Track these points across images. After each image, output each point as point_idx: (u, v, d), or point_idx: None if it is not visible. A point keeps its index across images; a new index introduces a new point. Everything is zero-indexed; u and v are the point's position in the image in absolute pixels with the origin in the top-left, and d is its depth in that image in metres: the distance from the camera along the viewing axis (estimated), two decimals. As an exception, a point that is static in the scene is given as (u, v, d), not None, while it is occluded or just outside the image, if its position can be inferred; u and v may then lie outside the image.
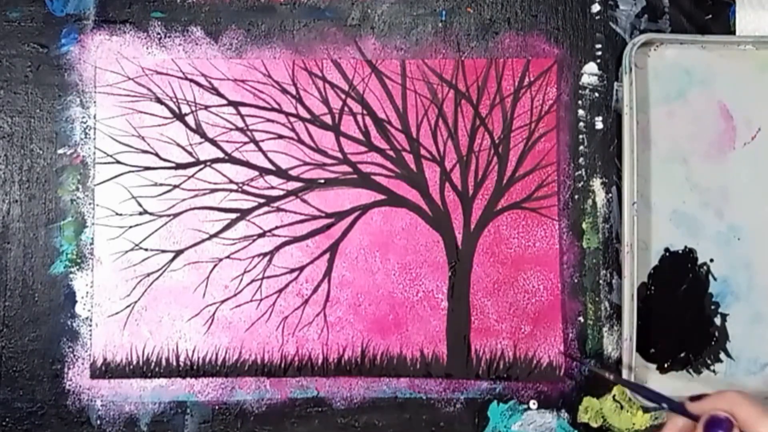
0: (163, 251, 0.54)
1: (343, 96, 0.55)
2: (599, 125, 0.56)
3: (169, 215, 0.55)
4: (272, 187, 0.55)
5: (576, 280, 0.55)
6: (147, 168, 0.55)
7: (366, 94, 0.55)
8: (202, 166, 0.55)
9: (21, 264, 0.54)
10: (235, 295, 0.54)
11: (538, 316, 0.54)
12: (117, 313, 0.54)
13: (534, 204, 0.55)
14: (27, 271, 0.54)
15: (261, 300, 0.54)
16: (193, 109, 0.55)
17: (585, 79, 0.56)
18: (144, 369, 0.54)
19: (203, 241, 0.55)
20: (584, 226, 0.55)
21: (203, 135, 0.55)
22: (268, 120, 0.55)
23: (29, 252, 0.54)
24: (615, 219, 0.55)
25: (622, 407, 0.54)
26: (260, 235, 0.55)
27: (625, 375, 0.52)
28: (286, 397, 0.54)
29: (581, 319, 0.55)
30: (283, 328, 0.54)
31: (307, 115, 0.55)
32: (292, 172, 0.55)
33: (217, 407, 0.54)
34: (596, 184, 0.55)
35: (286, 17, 0.56)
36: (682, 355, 0.54)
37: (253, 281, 0.54)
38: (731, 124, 0.55)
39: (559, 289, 0.54)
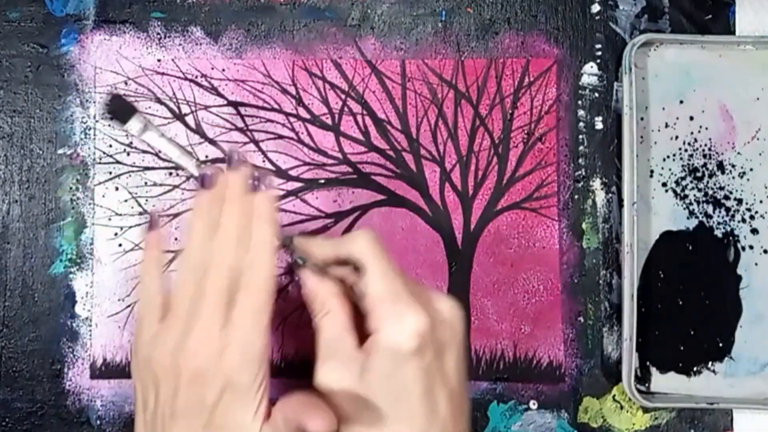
0: (163, 251, 0.54)
1: (343, 96, 0.55)
2: (599, 125, 0.56)
3: (169, 215, 0.55)
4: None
5: (576, 280, 0.55)
6: (147, 168, 0.55)
7: (366, 94, 0.55)
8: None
9: (21, 264, 0.54)
10: (235, 295, 0.54)
11: (538, 316, 0.54)
12: (117, 314, 0.54)
13: (534, 204, 0.55)
14: (27, 271, 0.54)
15: (261, 300, 0.54)
16: (193, 109, 0.55)
17: (585, 79, 0.56)
18: (144, 369, 0.54)
19: (203, 241, 0.55)
20: (584, 226, 0.55)
21: (203, 135, 0.55)
22: (268, 120, 0.55)
23: (29, 252, 0.54)
24: (615, 219, 0.55)
25: (622, 407, 0.54)
26: (260, 235, 0.55)
27: (625, 375, 0.52)
28: (286, 397, 0.54)
29: (581, 319, 0.55)
30: (283, 328, 0.54)
31: (307, 115, 0.55)
32: (292, 172, 0.55)
33: (217, 407, 0.54)
34: (596, 184, 0.55)
35: (286, 17, 0.56)
36: (683, 355, 0.54)
37: (253, 281, 0.54)
38: (731, 124, 0.55)
39: (559, 289, 0.54)
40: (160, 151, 0.43)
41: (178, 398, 0.38)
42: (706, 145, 0.55)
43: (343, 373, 0.38)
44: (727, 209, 0.55)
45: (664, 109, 0.55)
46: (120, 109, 0.44)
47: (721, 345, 0.54)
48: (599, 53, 0.56)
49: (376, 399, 0.38)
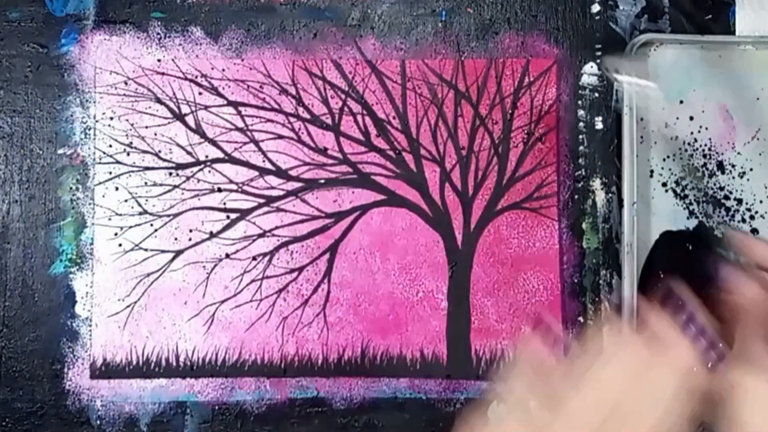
0: (163, 251, 0.54)
1: (343, 96, 0.55)
2: (599, 125, 0.56)
3: (169, 215, 0.55)
4: (272, 187, 0.55)
5: (576, 280, 0.55)
6: (147, 168, 0.55)
7: (366, 94, 0.55)
8: (202, 166, 0.55)
9: (21, 264, 0.54)
10: (235, 295, 0.54)
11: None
12: (117, 313, 0.54)
13: (534, 204, 0.55)
14: (27, 271, 0.54)
15: (261, 300, 0.54)
16: (193, 109, 0.55)
17: (585, 79, 0.56)
18: (144, 369, 0.54)
19: (203, 241, 0.55)
20: (584, 226, 0.55)
21: (203, 135, 0.55)
22: (268, 120, 0.55)
23: (29, 252, 0.54)
24: (615, 219, 0.55)
25: (622, 407, 0.54)
26: (260, 235, 0.55)
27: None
28: (286, 397, 0.54)
29: (581, 319, 0.55)
30: (283, 328, 0.54)
31: (307, 115, 0.55)
32: (292, 172, 0.55)
33: (217, 407, 0.54)
34: (596, 184, 0.55)
35: (286, 17, 0.56)
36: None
37: (253, 281, 0.54)
38: (731, 124, 0.55)
39: (559, 289, 0.54)
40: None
41: None
42: (706, 145, 0.55)
43: None
44: (727, 209, 0.55)
45: (664, 109, 0.55)
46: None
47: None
48: (599, 53, 0.56)
49: None
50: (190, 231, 0.55)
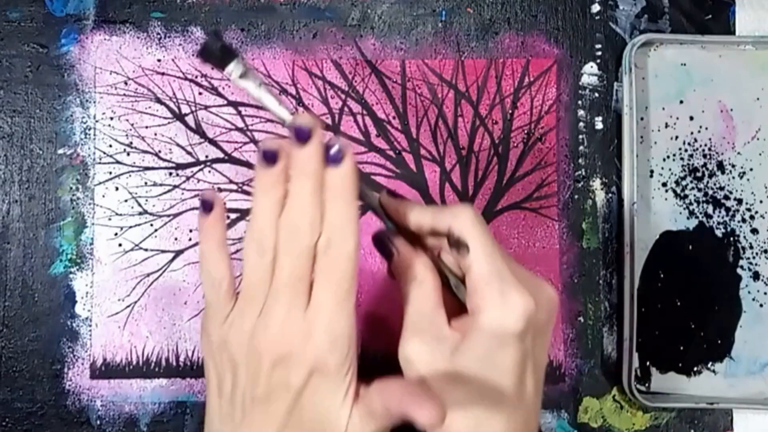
0: (163, 251, 0.54)
1: (343, 96, 0.55)
2: (599, 125, 0.56)
3: (169, 215, 0.55)
4: (272, 187, 0.55)
5: (576, 280, 0.55)
6: (147, 168, 0.55)
7: (366, 94, 0.55)
8: (202, 166, 0.55)
9: (21, 264, 0.54)
10: (235, 295, 0.54)
11: (538, 316, 0.54)
12: (117, 313, 0.54)
13: (534, 204, 0.55)
14: (27, 271, 0.54)
15: (261, 300, 0.54)
16: (193, 109, 0.55)
17: (585, 79, 0.56)
18: (144, 369, 0.54)
19: (203, 241, 0.55)
20: (584, 226, 0.55)
21: (203, 135, 0.55)
22: (268, 120, 0.55)
23: (29, 252, 0.54)
24: (615, 219, 0.55)
25: (622, 407, 0.54)
26: (260, 235, 0.55)
27: (625, 375, 0.52)
28: (286, 397, 0.54)
29: (581, 319, 0.55)
30: (283, 328, 0.54)
31: (307, 115, 0.55)
32: (292, 172, 0.55)
33: (217, 407, 0.54)
34: (596, 184, 0.55)
35: (286, 17, 0.56)
36: (683, 355, 0.54)
37: (253, 281, 0.54)
38: (731, 124, 0.55)
39: (559, 289, 0.54)
40: (259, 100, 0.39)
41: (259, 382, 0.36)
42: (706, 145, 0.55)
43: (433, 351, 0.37)
44: (727, 209, 0.55)
45: (664, 109, 0.55)
46: (219, 51, 0.39)
47: (721, 345, 0.54)
48: (599, 53, 0.56)
49: (467, 379, 0.36)
50: (190, 231, 0.55)
